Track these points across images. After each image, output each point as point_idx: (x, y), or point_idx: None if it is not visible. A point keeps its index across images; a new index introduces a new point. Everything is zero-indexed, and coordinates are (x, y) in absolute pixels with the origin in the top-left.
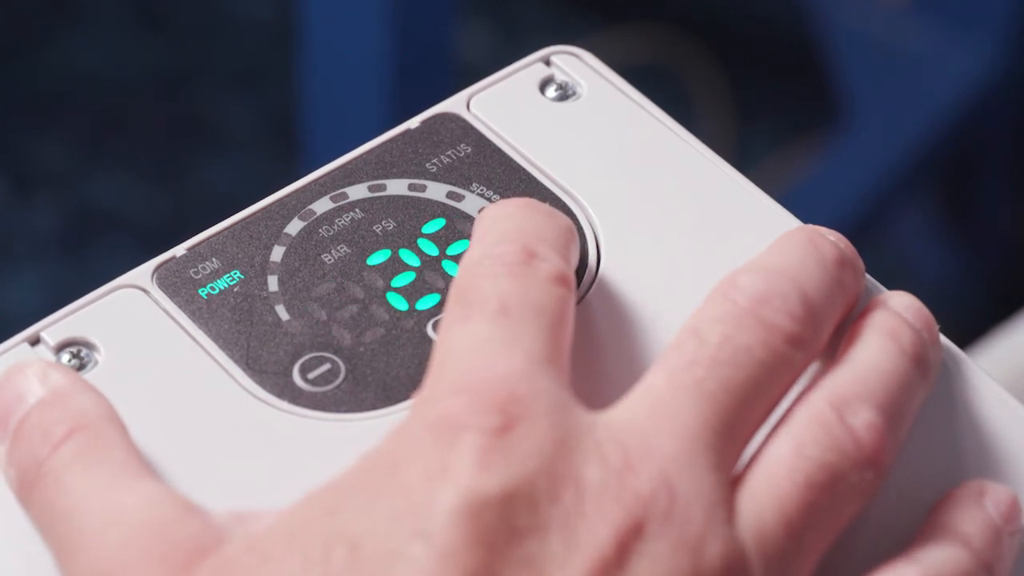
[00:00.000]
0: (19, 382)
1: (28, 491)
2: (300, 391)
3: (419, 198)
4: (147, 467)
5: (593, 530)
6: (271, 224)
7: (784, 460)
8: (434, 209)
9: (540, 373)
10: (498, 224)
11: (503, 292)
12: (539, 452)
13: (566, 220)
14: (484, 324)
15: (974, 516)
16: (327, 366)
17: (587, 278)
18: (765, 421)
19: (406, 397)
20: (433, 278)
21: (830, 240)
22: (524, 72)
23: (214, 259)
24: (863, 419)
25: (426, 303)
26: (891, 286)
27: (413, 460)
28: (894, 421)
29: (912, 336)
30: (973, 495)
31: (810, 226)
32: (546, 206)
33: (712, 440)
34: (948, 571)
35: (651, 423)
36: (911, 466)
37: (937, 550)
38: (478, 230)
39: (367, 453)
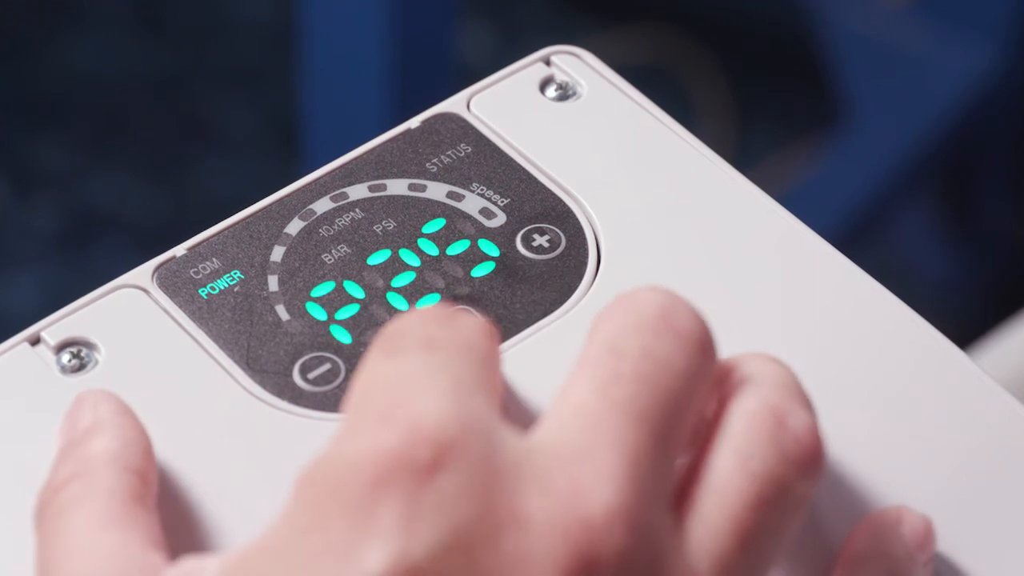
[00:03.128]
0: (77, 411)
1: (35, 528)
2: (300, 391)
3: (419, 198)
4: (125, 515)
5: (540, 575)
6: (271, 224)
7: (731, 478)
8: (434, 209)
9: (470, 398)
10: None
11: (430, 331)
12: (474, 492)
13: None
14: (409, 356)
15: (893, 541)
16: (327, 366)
17: (587, 278)
18: (692, 433)
19: None
20: (433, 278)
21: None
22: (524, 72)
23: (214, 259)
24: (802, 421)
25: (426, 303)
26: (891, 286)
27: (340, 510)
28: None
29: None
30: (891, 522)
31: None
32: None
33: (655, 461)
34: None
35: (592, 442)
36: (911, 466)
37: (861, 573)
38: None
39: (293, 499)
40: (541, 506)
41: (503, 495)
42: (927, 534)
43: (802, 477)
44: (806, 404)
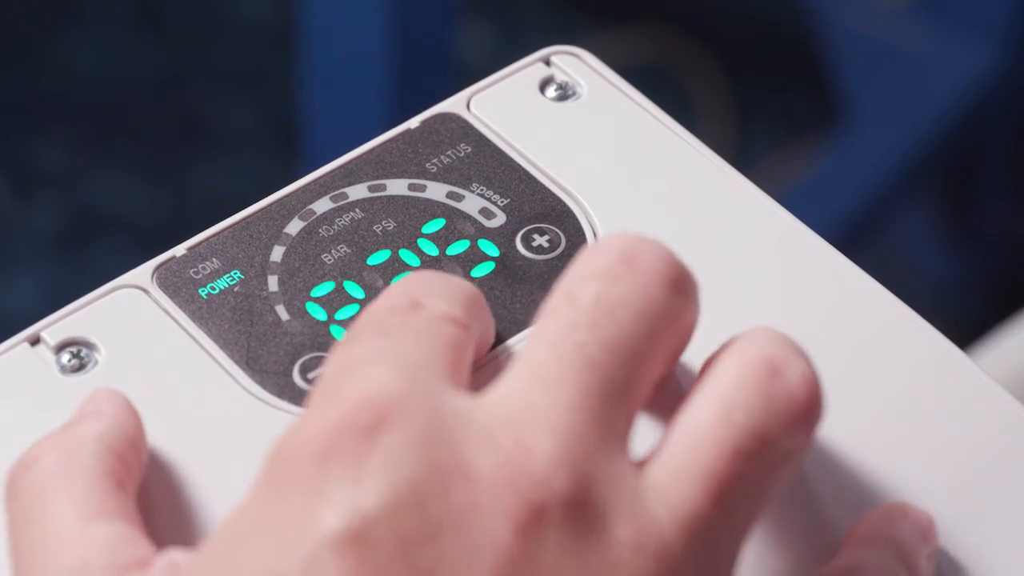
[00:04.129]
0: (84, 404)
1: (6, 499)
2: (300, 391)
3: (419, 198)
4: (107, 501)
5: (490, 525)
6: (271, 224)
7: (710, 427)
8: (434, 209)
9: (413, 372)
10: (393, 286)
11: (385, 321)
12: (420, 446)
13: (471, 286)
14: (361, 344)
15: (901, 528)
16: None
17: None
18: (661, 377)
19: None
20: None
21: None
22: (524, 72)
23: (214, 259)
24: (799, 372)
25: None
26: (891, 286)
27: (295, 482)
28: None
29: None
30: (897, 513)
31: None
32: (454, 276)
33: (603, 408)
34: (877, 568)
35: (538, 396)
36: (911, 467)
37: (868, 551)
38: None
39: (256, 479)
40: (488, 460)
41: (451, 449)
42: (930, 528)
43: (792, 431)
44: (803, 356)
